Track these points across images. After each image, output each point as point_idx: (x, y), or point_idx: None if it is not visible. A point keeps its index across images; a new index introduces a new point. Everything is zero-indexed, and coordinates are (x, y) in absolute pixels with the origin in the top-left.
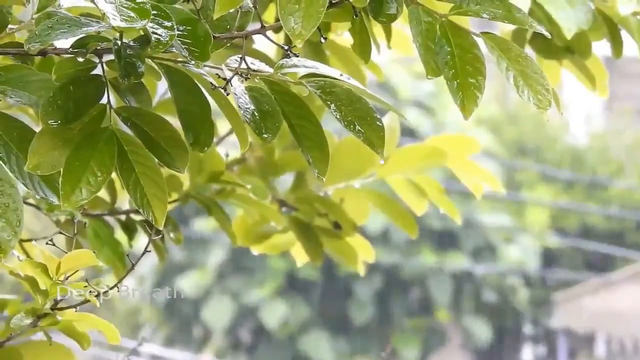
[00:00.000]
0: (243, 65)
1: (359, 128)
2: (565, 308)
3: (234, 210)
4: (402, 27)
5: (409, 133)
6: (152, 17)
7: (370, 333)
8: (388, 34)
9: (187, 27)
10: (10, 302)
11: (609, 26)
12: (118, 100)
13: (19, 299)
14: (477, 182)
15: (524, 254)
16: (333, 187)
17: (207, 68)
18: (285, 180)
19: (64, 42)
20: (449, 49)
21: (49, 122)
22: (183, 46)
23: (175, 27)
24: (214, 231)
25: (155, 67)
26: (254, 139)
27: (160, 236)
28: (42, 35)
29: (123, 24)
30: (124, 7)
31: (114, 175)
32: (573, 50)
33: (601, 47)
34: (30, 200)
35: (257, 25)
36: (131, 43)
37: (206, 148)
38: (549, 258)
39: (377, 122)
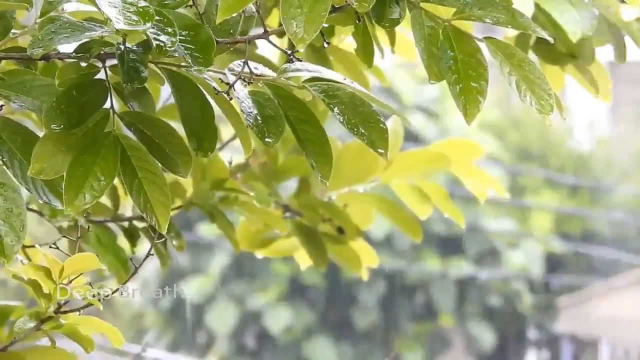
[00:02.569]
0: (246, 70)
1: (363, 130)
2: (569, 313)
3: (237, 216)
4: (405, 31)
5: (412, 138)
6: (155, 22)
7: (374, 338)
8: (392, 39)
9: (190, 33)
10: (15, 309)
11: (613, 32)
12: (121, 105)
13: (23, 305)
14: (481, 187)
15: (528, 259)
16: (337, 192)
17: (210, 73)
18: (289, 186)
19: (67, 47)
20: (451, 54)
21: (52, 127)
22: (186, 51)
23: (177, 32)
24: (218, 236)
25: (159, 71)
26: (258, 144)
27: (162, 241)
28: (45, 40)
29: (126, 27)
30: (127, 10)
31: (116, 181)
32: (576, 55)
33: (604, 53)
34: (33, 206)
35: (260, 30)
36: (134, 48)
37: (210, 153)
38: (553, 263)
39: (381, 125)
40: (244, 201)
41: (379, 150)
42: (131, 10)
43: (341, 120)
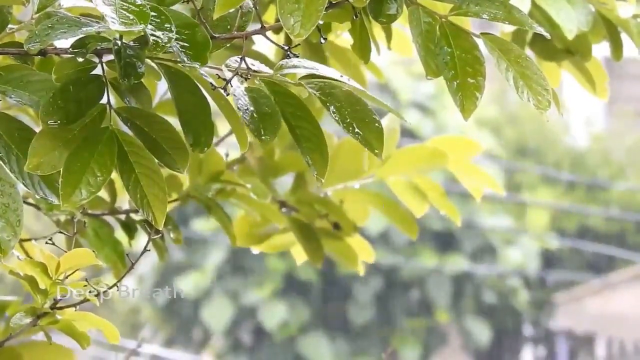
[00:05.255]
0: (243, 66)
1: (358, 130)
2: (565, 309)
3: (234, 212)
4: (402, 27)
5: (409, 135)
6: (151, 18)
7: (369, 334)
8: (388, 35)
9: (186, 32)
10: (11, 304)
11: (609, 28)
12: (118, 100)
13: (19, 300)
14: (478, 184)
15: (524, 256)
16: (333, 188)
17: (207, 68)
18: (285, 181)
19: (64, 42)
20: (448, 50)
21: (49, 122)
22: (181, 50)
23: (174, 29)
24: (213, 232)
25: (156, 67)
26: (254, 139)
27: (160, 235)
28: (42, 35)
29: (122, 28)
30: (123, 9)
31: (114, 174)
32: (573, 52)
33: (601, 49)
34: (30, 200)
35: (257, 26)
36: (131, 43)
37: (206, 149)
38: (549, 259)
39: (376, 124)
40: (241, 193)
41: (374, 150)
42: (127, 9)
43: (336, 119)
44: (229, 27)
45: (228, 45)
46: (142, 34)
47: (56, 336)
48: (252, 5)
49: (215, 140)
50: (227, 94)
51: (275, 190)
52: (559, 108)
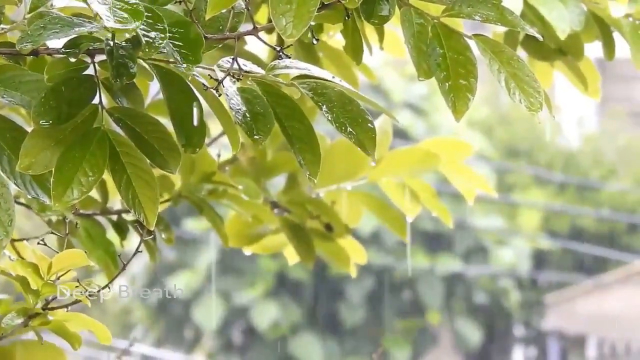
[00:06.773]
0: (235, 66)
1: (351, 129)
2: (556, 310)
3: (226, 212)
4: (394, 28)
5: (401, 135)
6: (144, 19)
7: (360, 335)
8: (380, 36)
9: (179, 30)
10: (1, 302)
11: (601, 28)
12: (110, 100)
13: (10, 298)
14: (470, 186)
15: (515, 256)
16: (325, 189)
17: (199, 69)
18: (278, 182)
19: (56, 42)
20: (440, 51)
21: (41, 122)
22: (174, 49)
23: (167, 29)
24: (205, 232)
25: (148, 67)
26: (246, 140)
27: (151, 236)
28: (34, 35)
29: (117, 25)
30: (117, 8)
31: (105, 174)
32: (565, 52)
33: (593, 49)
34: (22, 200)
35: (250, 27)
36: (123, 44)
37: (198, 149)
38: (541, 260)
39: (369, 124)
40: (233, 194)
41: (367, 150)
42: (121, 7)
43: (329, 118)
44: (221, 27)
45: (220, 45)
46: (135, 34)
47: (47, 336)
48: (244, 6)
49: (207, 140)
50: (219, 95)
51: (268, 191)
52: (551, 110)
